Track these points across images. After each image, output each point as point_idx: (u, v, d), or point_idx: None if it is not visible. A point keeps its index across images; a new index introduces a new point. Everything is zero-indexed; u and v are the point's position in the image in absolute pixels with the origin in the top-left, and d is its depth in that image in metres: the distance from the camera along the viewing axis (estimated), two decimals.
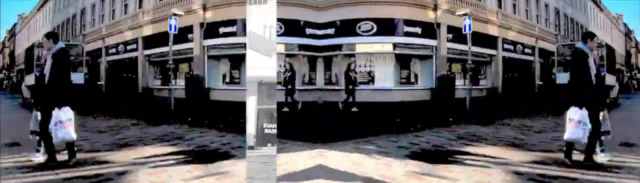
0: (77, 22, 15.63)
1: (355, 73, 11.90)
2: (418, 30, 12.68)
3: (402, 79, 12.90)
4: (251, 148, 4.03)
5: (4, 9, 16.86)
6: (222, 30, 12.58)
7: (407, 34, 12.58)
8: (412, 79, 13.02)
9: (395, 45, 12.55)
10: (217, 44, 12.63)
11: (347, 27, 12.33)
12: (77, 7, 15.84)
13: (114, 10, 14.84)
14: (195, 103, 11.88)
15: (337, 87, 12.23)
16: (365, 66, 12.68)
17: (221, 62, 12.79)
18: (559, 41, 15.73)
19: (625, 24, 18.64)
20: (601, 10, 18.10)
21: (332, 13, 12.35)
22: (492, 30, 14.00)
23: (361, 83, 12.18)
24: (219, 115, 10.09)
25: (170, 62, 12.32)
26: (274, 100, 4.07)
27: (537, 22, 15.68)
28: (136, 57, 13.79)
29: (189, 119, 9.58)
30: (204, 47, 12.70)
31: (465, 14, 12.32)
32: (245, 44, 13.31)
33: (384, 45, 12.60)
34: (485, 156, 6.05)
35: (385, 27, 12.42)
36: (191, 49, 12.86)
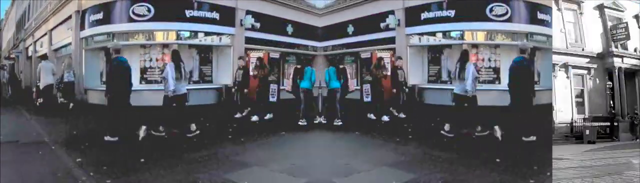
0: (26, 15, 14.86)
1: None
2: (547, 17, 10.45)
3: None
4: None
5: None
6: (92, 17, 10.43)
7: (538, 22, 10.40)
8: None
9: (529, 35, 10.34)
10: (90, 35, 10.55)
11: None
12: None
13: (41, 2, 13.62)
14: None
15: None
16: (488, 60, 10.44)
17: (99, 57, 10.71)
18: None
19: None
20: None
21: None
22: None
23: (485, 82, 10.12)
24: None
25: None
26: None
27: None
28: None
29: None
30: (81, 39, 10.71)
31: None
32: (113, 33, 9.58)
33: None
34: None
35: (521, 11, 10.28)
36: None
